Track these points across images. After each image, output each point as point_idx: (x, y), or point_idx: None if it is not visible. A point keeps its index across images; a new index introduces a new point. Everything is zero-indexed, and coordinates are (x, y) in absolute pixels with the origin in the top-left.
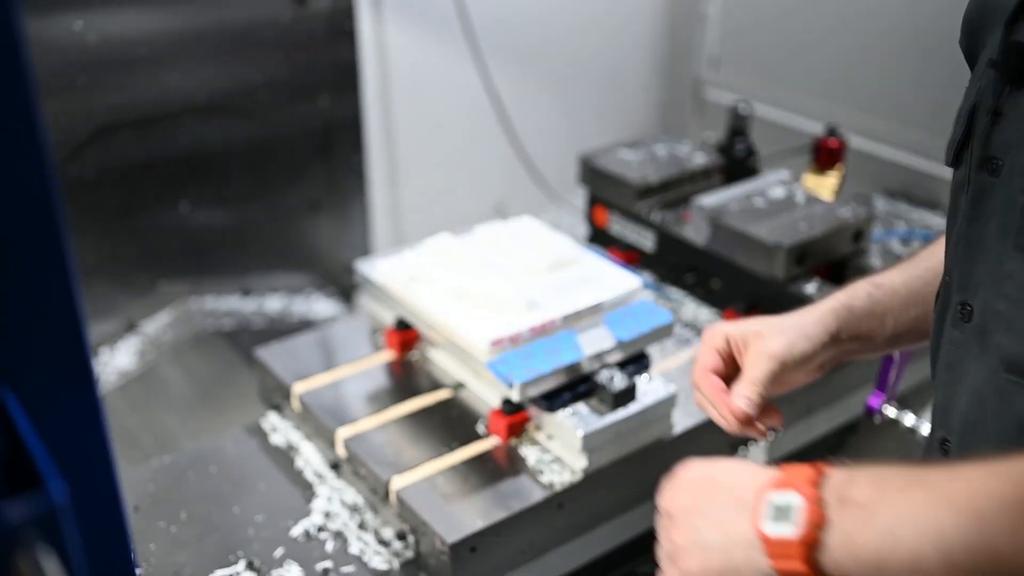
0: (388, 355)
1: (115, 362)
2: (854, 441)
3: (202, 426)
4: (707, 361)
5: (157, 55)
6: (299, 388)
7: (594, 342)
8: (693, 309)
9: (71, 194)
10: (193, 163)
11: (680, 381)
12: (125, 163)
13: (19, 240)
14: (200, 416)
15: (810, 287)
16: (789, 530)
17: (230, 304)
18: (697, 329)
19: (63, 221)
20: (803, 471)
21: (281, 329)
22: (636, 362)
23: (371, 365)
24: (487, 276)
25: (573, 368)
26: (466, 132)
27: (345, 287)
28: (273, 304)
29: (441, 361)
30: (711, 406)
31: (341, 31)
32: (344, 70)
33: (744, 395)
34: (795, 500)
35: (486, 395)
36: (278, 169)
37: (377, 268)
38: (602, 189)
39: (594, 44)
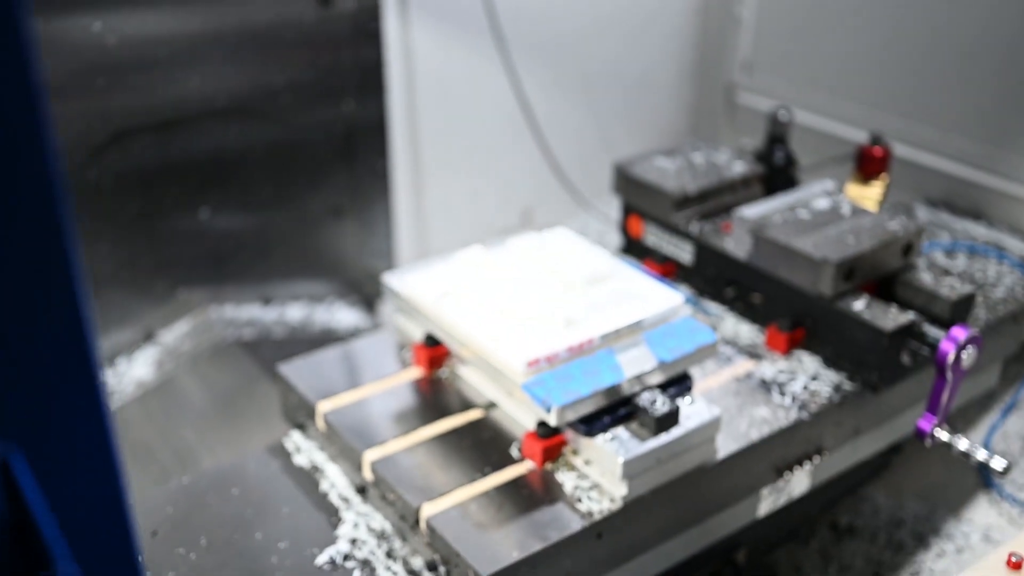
0: (416, 372)
1: (132, 372)
2: (899, 462)
3: (222, 441)
4: None
5: (177, 57)
6: (324, 407)
7: (634, 363)
8: (733, 325)
9: (88, 199)
10: (213, 168)
11: (722, 402)
12: (143, 168)
13: (31, 280)
14: (219, 430)
15: (858, 304)
16: None
17: (250, 313)
18: (738, 346)
19: (76, 261)
20: None
21: (303, 339)
22: (678, 383)
23: (398, 383)
24: (522, 292)
25: (613, 390)
26: (493, 136)
27: (369, 296)
28: (295, 313)
29: (472, 379)
30: None
31: (366, 32)
32: (369, 72)
33: None
34: None
35: (520, 416)
36: (300, 174)
37: (405, 281)
38: (637, 198)
39: (624, 47)
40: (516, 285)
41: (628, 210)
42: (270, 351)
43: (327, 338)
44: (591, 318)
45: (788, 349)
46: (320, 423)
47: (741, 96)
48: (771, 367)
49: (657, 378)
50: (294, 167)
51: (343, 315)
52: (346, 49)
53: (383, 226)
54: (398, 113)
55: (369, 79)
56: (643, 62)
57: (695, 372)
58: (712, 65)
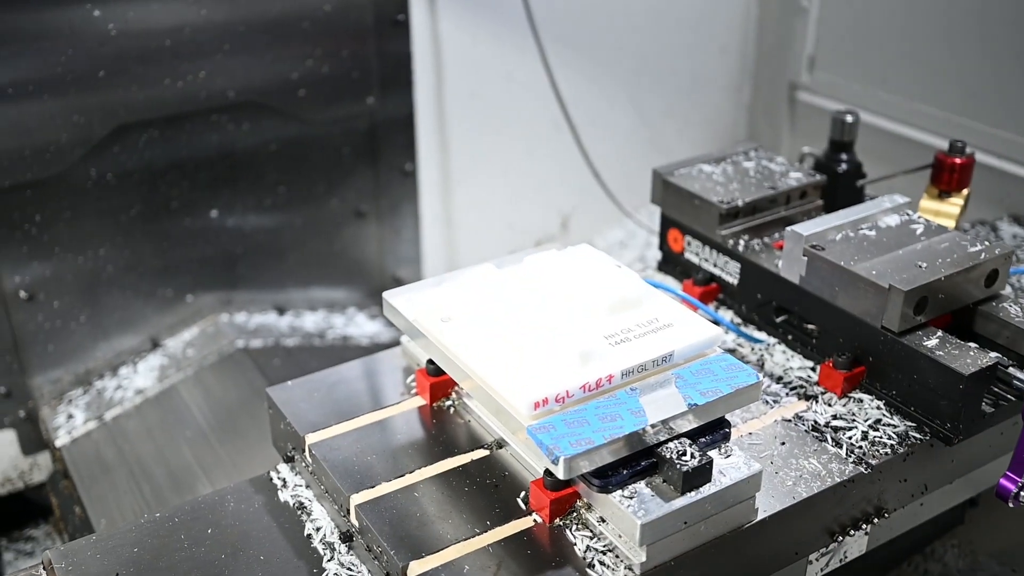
0: (418, 401)
1: (135, 381)
2: (974, 516)
3: (218, 462)
4: None
5: (183, 47)
6: (312, 439)
7: (661, 406)
8: (783, 358)
9: (88, 197)
10: (224, 166)
11: (766, 450)
12: (148, 165)
13: None
14: (218, 449)
15: (931, 341)
16: None
17: (262, 321)
18: (788, 383)
19: None
20: None
21: (317, 349)
22: (712, 431)
23: (398, 413)
24: (534, 318)
25: (634, 438)
26: (528, 136)
27: None
28: (310, 322)
29: (478, 413)
30: None
31: (392, 22)
32: (394, 65)
33: None
34: None
35: (529, 459)
36: (319, 173)
37: (406, 300)
38: (679, 210)
39: (673, 40)
40: (528, 310)
41: (668, 222)
42: (281, 362)
43: (343, 350)
44: (612, 351)
45: (846, 390)
46: (308, 457)
47: (803, 96)
48: (825, 410)
49: (687, 425)
50: (312, 166)
51: (363, 325)
52: (369, 40)
53: (409, 230)
54: (425, 109)
55: (394, 72)
56: (695, 57)
57: (734, 416)
58: (773, 62)
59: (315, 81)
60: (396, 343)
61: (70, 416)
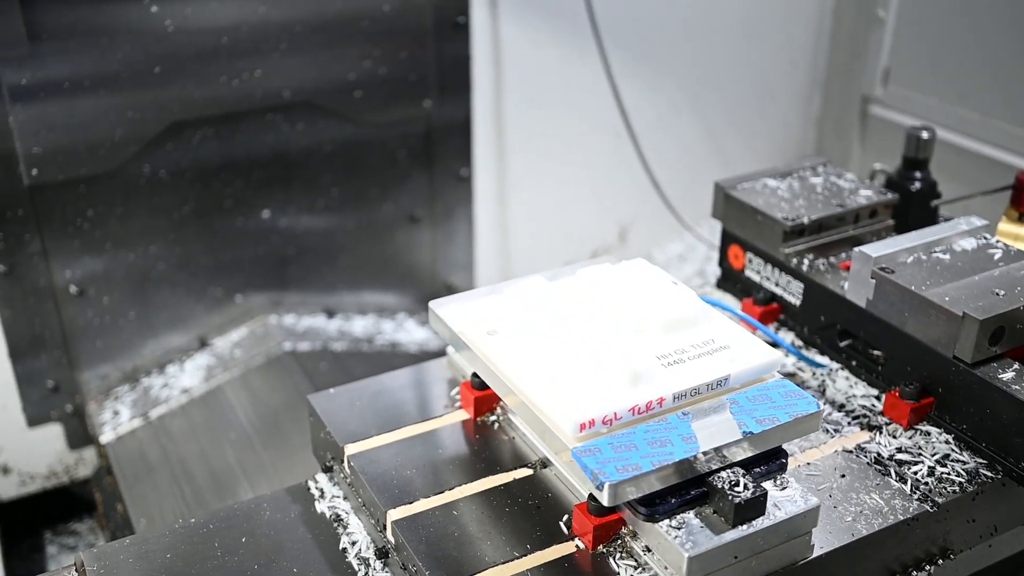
0: (463, 415)
1: (181, 380)
2: None
3: (260, 466)
4: None
5: (240, 45)
6: (351, 449)
7: (714, 432)
8: (846, 385)
9: (141, 195)
10: (278, 166)
11: (824, 482)
12: (201, 163)
13: None
14: (260, 453)
15: (1007, 373)
16: None
17: (311, 324)
18: (850, 412)
19: None
20: None
21: (366, 354)
22: (768, 461)
23: (441, 426)
24: (583, 335)
25: (684, 466)
26: (587, 144)
27: None
28: (359, 326)
29: (523, 430)
30: None
31: (452, 24)
32: (453, 68)
33: None
34: None
35: (574, 482)
36: (373, 176)
37: (452, 311)
38: (741, 225)
39: (741, 49)
40: (578, 326)
41: (729, 238)
42: (328, 367)
43: (392, 356)
44: (664, 373)
45: (912, 421)
46: (346, 468)
47: (875, 110)
48: (889, 442)
49: (741, 453)
50: (366, 169)
51: (412, 332)
52: (428, 42)
53: (463, 237)
54: (483, 114)
55: (453, 75)
56: (762, 67)
57: (791, 444)
58: (844, 74)
59: (372, 82)
60: (444, 351)
61: (116, 413)
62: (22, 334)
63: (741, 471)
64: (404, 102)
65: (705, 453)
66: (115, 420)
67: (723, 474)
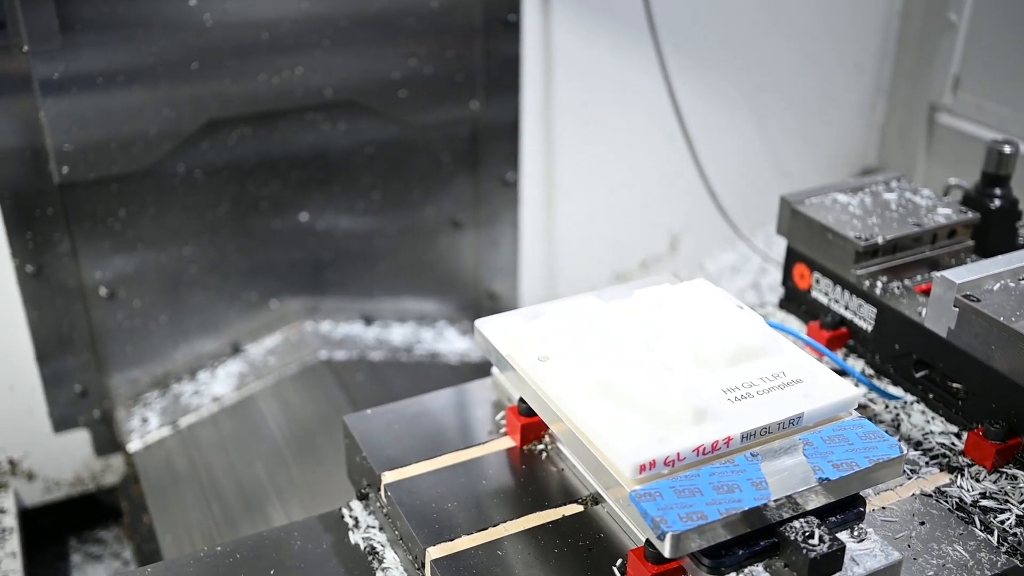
0: (507, 442)
1: (212, 387)
2: None
3: (292, 481)
4: None
5: (280, 41)
6: (389, 477)
7: (787, 478)
8: (922, 420)
9: (175, 194)
10: (316, 167)
11: (901, 530)
12: (238, 162)
13: None
14: (292, 468)
15: None
16: None
17: (348, 331)
18: (928, 450)
19: None
20: None
21: (404, 364)
22: (844, 509)
23: (485, 454)
24: (640, 365)
25: (753, 515)
26: (639, 149)
27: None
28: (398, 334)
29: (573, 461)
30: None
31: (502, 22)
32: (501, 68)
33: None
34: None
35: (630, 524)
36: (416, 179)
37: (500, 331)
38: (808, 243)
39: (802, 53)
40: (635, 354)
41: (795, 256)
42: (364, 377)
43: (431, 367)
44: (731, 409)
45: (998, 464)
46: (383, 497)
47: (944, 119)
48: (972, 486)
49: (816, 502)
50: (409, 171)
51: (453, 342)
52: (477, 40)
53: (508, 244)
54: (532, 116)
55: (501, 76)
56: (825, 73)
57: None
58: (911, 81)
59: (417, 82)
60: (486, 363)
61: (144, 420)
62: (49, 336)
63: (816, 521)
64: (450, 102)
65: (776, 500)
66: (143, 428)
67: (796, 524)
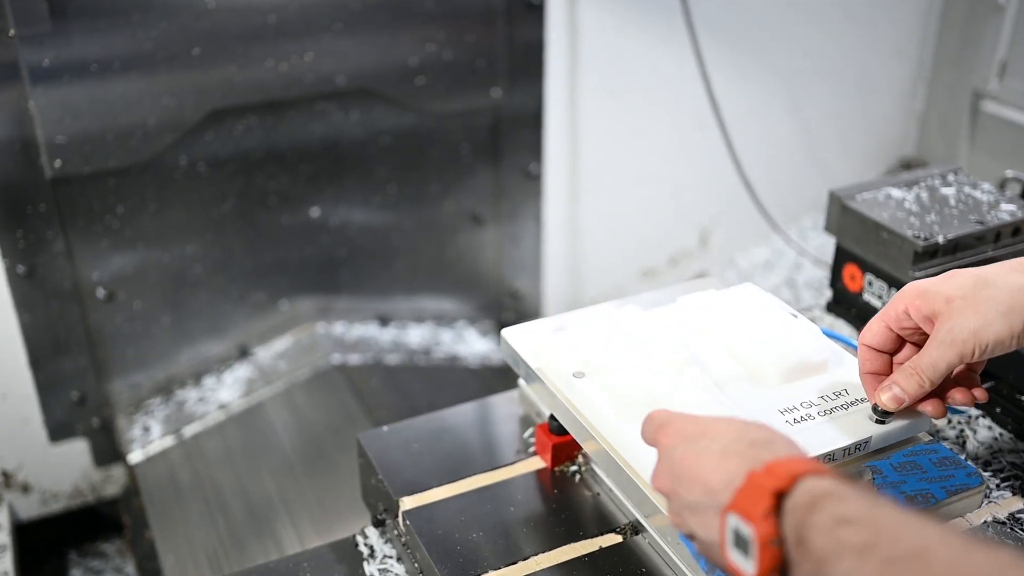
0: (537, 463)
1: (218, 394)
2: None
3: (302, 496)
4: (874, 335)
5: (288, 25)
6: (408, 504)
7: None
8: (988, 436)
9: (177, 188)
10: (329, 159)
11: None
12: (245, 155)
13: None
14: (303, 481)
15: None
16: (749, 566)
17: (363, 333)
18: (999, 471)
19: None
20: (761, 493)
21: (422, 368)
22: None
23: (513, 476)
24: (687, 382)
25: None
26: (670, 139)
27: (506, 321)
28: (415, 336)
29: (610, 485)
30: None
31: (524, 5)
32: (524, 55)
33: (897, 389)
34: (750, 534)
35: (676, 558)
36: (434, 172)
37: (530, 343)
38: (860, 242)
39: (841, 36)
40: (680, 370)
41: (845, 255)
42: (380, 383)
43: (450, 371)
44: (789, 433)
45: None
46: (401, 525)
47: (988, 107)
48: None
49: None
50: (427, 163)
51: (473, 344)
52: (498, 25)
53: (531, 239)
54: (556, 106)
55: (524, 63)
56: (864, 58)
57: None
58: (953, 66)
59: (435, 69)
60: (507, 367)
61: (146, 429)
62: (44, 341)
63: None
64: (470, 91)
65: None
66: (145, 437)
67: None
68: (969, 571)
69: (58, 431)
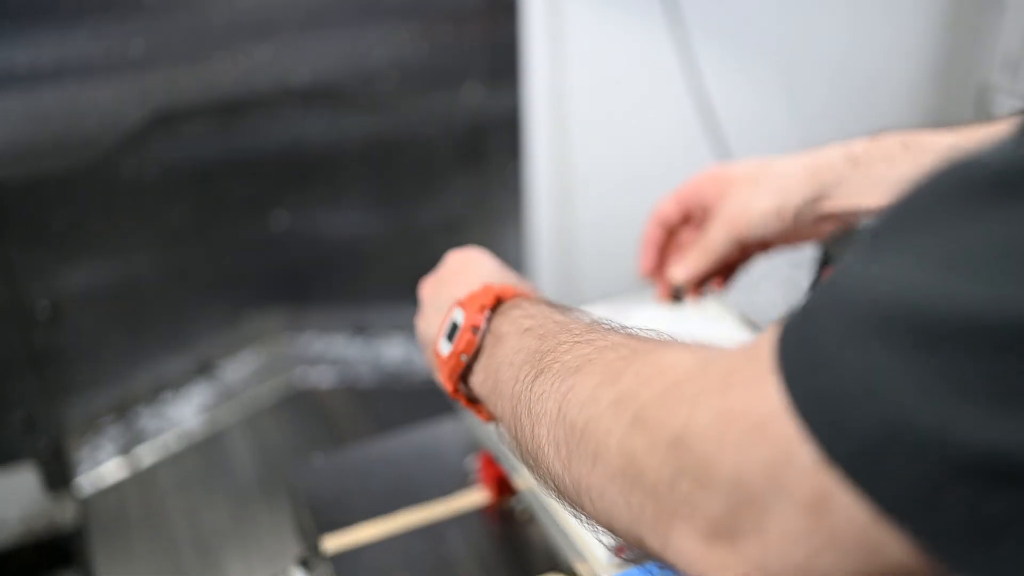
0: (482, 497)
1: (177, 416)
2: None
3: (256, 528)
4: (666, 211)
5: (241, 19)
6: (332, 544)
7: None
8: None
9: (125, 195)
10: (293, 165)
11: None
12: (199, 160)
13: None
14: (259, 513)
15: None
16: (446, 348)
17: (333, 350)
18: None
19: None
20: (487, 294)
21: (396, 390)
22: None
23: (453, 511)
24: None
25: None
26: (661, 138)
27: None
28: (391, 354)
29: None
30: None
31: None
32: (504, 50)
33: (684, 262)
34: (461, 320)
35: None
36: (407, 178)
37: None
38: (843, 243)
39: (840, 30)
40: None
41: (828, 259)
42: (350, 405)
43: (428, 393)
44: None
45: None
46: (324, 570)
47: (999, 103)
48: None
49: None
50: (399, 169)
51: None
52: (475, 17)
53: (513, 248)
54: (538, 104)
55: (504, 58)
56: (864, 52)
57: None
58: (962, 60)
59: (407, 66)
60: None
61: (97, 456)
62: None
63: None
64: (445, 90)
65: None
66: (95, 464)
67: None
68: (597, 338)
69: (3, 456)
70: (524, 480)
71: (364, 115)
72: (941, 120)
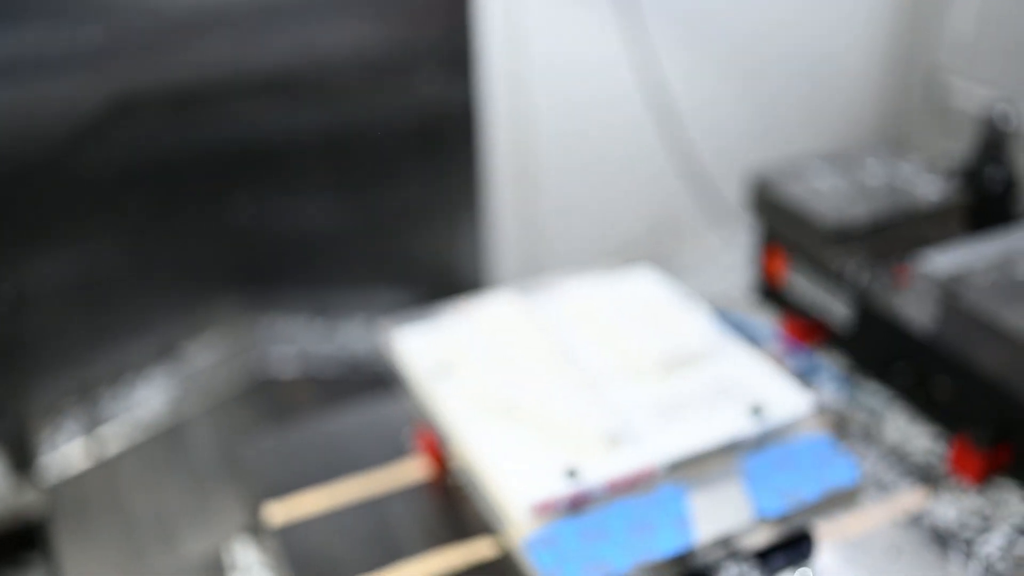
0: (421, 465)
1: (138, 404)
2: None
3: (220, 509)
4: None
5: (202, 10)
6: (277, 513)
7: (717, 513)
8: (901, 426)
9: (83, 185)
10: (250, 155)
11: (866, 564)
12: (158, 151)
13: None
14: (218, 506)
15: None
16: None
17: (294, 339)
18: (905, 461)
19: None
20: None
21: (359, 378)
22: (790, 549)
23: (392, 480)
24: (552, 379)
25: (675, 563)
26: (620, 126)
27: None
28: (353, 340)
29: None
30: None
31: None
32: (461, 38)
33: None
34: None
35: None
36: (369, 168)
37: (404, 338)
38: (779, 225)
39: (791, 12)
40: (552, 363)
41: (766, 239)
42: (312, 393)
43: (392, 380)
44: (657, 429)
45: (984, 475)
46: (267, 537)
47: (953, 84)
48: (954, 506)
49: (755, 540)
50: (360, 158)
51: None
52: (429, 9)
53: (475, 235)
54: (497, 92)
55: (462, 47)
56: (819, 34)
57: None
58: (913, 41)
59: (364, 56)
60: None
61: (60, 442)
62: None
63: (756, 564)
64: (404, 79)
65: (704, 544)
66: (59, 451)
67: (730, 571)
68: None
69: None
70: (453, 449)
71: (322, 104)
72: (893, 100)
